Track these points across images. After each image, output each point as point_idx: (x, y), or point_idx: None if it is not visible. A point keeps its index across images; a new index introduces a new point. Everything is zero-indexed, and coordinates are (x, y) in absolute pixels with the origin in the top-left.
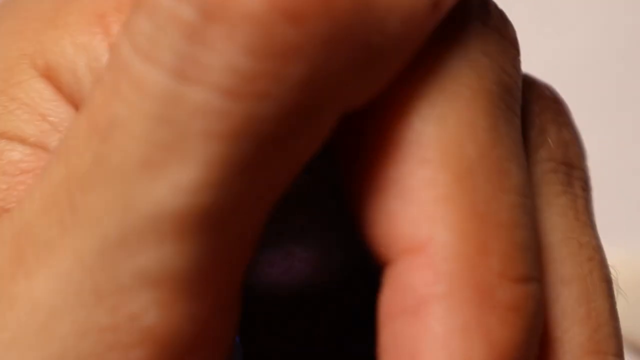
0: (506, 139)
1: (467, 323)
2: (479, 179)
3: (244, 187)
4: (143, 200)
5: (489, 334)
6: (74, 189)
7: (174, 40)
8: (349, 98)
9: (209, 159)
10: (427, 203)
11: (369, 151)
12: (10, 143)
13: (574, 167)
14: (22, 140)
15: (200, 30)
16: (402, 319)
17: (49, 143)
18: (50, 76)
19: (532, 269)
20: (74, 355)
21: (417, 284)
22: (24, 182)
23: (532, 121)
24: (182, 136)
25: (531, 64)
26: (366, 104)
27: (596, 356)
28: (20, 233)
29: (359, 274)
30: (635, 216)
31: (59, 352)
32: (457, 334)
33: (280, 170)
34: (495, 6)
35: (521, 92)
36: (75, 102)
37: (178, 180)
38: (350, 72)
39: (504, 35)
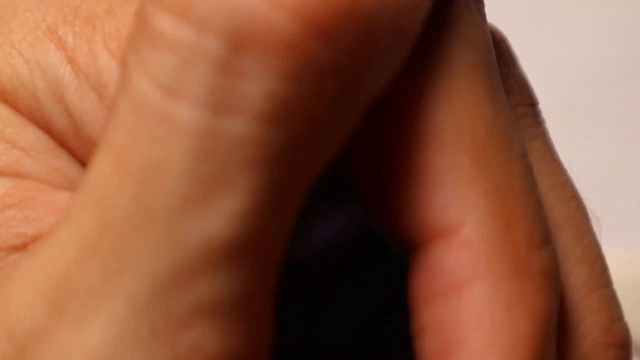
0: (503, 106)
1: (508, 297)
2: (492, 154)
3: (286, 206)
4: (191, 235)
5: (529, 305)
6: (114, 236)
7: (204, 75)
8: (373, 95)
9: (254, 185)
10: (452, 188)
11: (383, 144)
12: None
13: (534, 104)
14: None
15: (231, 61)
16: (444, 300)
17: (25, 171)
18: (6, 98)
19: (546, 230)
20: None
21: (455, 266)
22: (13, 216)
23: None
24: (225, 168)
25: (532, 64)
26: (382, 95)
27: (598, 291)
28: (57, 284)
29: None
30: (635, 216)
31: None
32: (501, 310)
33: (314, 177)
34: None
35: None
36: (37, 122)
37: (225, 210)
38: (373, 71)
39: None
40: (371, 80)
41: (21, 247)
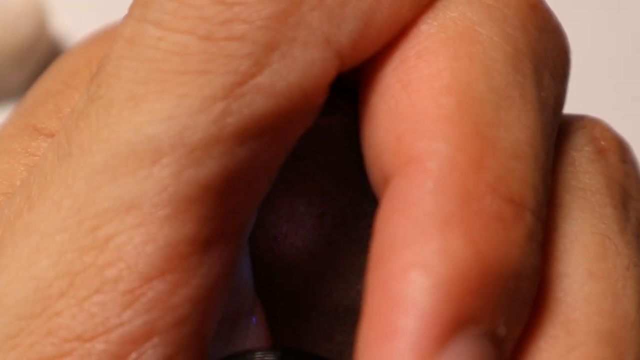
0: (525, 89)
1: (449, 216)
2: (486, 108)
3: (219, 117)
4: (125, 128)
5: (470, 231)
6: (72, 125)
7: (161, 2)
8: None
9: (183, 91)
10: (430, 121)
11: (384, 87)
12: (46, 140)
13: (632, 197)
14: (50, 135)
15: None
16: (389, 217)
17: None
18: None
19: (528, 199)
20: (54, 274)
21: (407, 186)
22: None
23: (591, 140)
24: (161, 72)
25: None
26: (365, 58)
27: (615, 349)
28: (31, 175)
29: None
30: None
31: (43, 271)
32: (437, 224)
33: (263, 106)
34: None
35: (563, 80)
36: None
37: (155, 108)
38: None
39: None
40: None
41: None
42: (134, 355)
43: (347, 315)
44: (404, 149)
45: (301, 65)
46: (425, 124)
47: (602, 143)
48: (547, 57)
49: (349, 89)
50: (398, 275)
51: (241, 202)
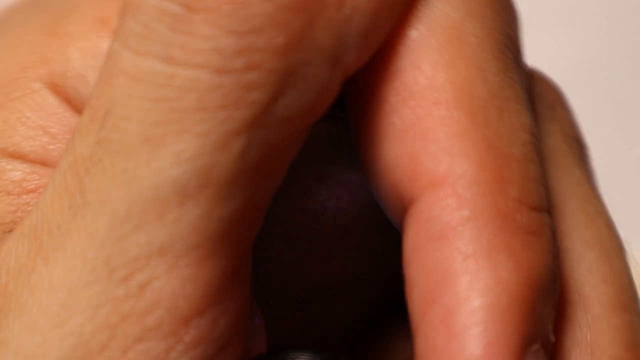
0: (515, 84)
1: (492, 242)
2: (491, 116)
3: (242, 151)
4: (145, 173)
5: (514, 253)
6: (81, 173)
7: (162, 33)
8: (340, 60)
9: (203, 129)
10: (444, 139)
11: (382, 101)
12: (11, 162)
13: (584, 146)
14: (22, 157)
15: (186, 20)
16: (430, 246)
17: (48, 157)
18: (56, 86)
19: (544, 200)
20: (91, 328)
21: (441, 212)
22: (29, 202)
23: (541, 97)
24: (177, 112)
25: (531, 63)
26: (365, 64)
27: (625, 313)
28: (37, 225)
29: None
30: (634, 215)
31: (79, 327)
32: (484, 253)
33: (280, 132)
34: None
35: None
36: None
37: (176, 150)
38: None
39: None
40: (326, 43)
41: None
42: None
43: (324, 291)
44: (423, 170)
45: (314, 89)
46: (440, 142)
47: (549, 97)
48: (514, 35)
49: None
50: (459, 310)
51: (259, 225)
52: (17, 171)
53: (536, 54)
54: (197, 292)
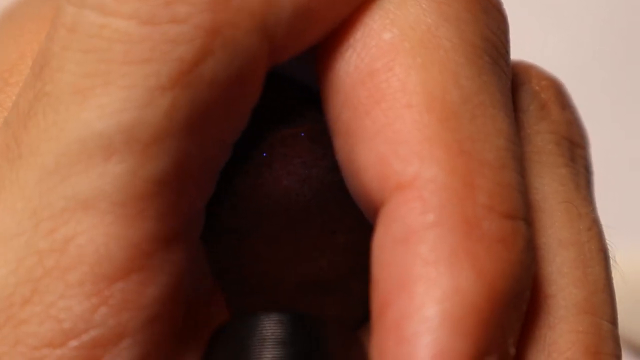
0: (491, 88)
1: (455, 250)
2: (464, 121)
3: (169, 109)
4: (73, 125)
5: (476, 262)
6: (20, 127)
7: None
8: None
9: (129, 82)
10: (414, 143)
11: (356, 103)
12: None
13: (577, 145)
14: None
15: None
16: (392, 248)
17: None
18: None
19: (519, 208)
20: (14, 281)
21: (406, 215)
22: None
23: (533, 96)
24: (105, 62)
25: (528, 59)
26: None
27: (592, 317)
28: None
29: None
30: (634, 213)
31: (2, 279)
32: (445, 260)
33: (207, 95)
34: None
35: (509, 55)
36: None
37: (102, 103)
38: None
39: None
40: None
41: None
42: (107, 357)
43: (312, 288)
44: (391, 173)
45: (241, 54)
46: (410, 145)
47: (543, 96)
48: (495, 38)
49: (310, 97)
50: (412, 315)
51: (195, 197)
52: None
53: (533, 50)
54: (122, 252)
